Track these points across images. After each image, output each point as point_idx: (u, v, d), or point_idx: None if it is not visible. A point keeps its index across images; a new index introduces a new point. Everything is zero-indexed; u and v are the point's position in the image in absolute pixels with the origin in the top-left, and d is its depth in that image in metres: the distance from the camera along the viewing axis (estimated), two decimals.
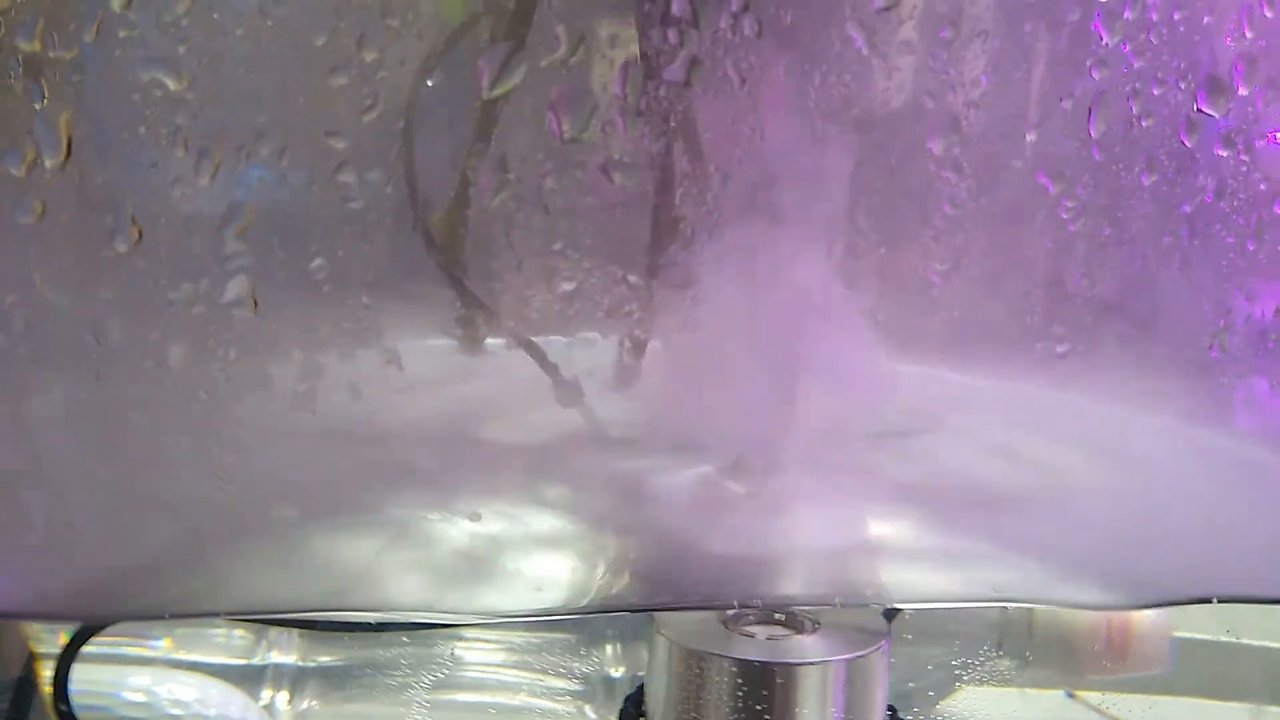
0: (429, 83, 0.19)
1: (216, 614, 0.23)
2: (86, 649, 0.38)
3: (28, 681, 0.37)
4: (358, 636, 0.45)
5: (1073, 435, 0.21)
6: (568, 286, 0.20)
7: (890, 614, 0.37)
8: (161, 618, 0.23)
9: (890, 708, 0.29)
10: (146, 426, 0.19)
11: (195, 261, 0.18)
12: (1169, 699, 0.46)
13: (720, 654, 0.27)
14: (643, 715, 0.29)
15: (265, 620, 0.41)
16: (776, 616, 0.29)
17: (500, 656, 0.46)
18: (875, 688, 0.28)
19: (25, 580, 0.21)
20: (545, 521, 0.25)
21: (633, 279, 0.20)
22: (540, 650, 0.46)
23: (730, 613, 0.29)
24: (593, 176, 0.19)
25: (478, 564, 0.22)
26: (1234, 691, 0.46)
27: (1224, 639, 0.47)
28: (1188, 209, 0.20)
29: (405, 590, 0.22)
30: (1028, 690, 0.47)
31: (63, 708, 0.33)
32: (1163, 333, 0.21)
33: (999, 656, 0.44)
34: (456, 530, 0.22)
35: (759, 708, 0.27)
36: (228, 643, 0.45)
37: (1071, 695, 0.48)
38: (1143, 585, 0.24)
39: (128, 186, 0.18)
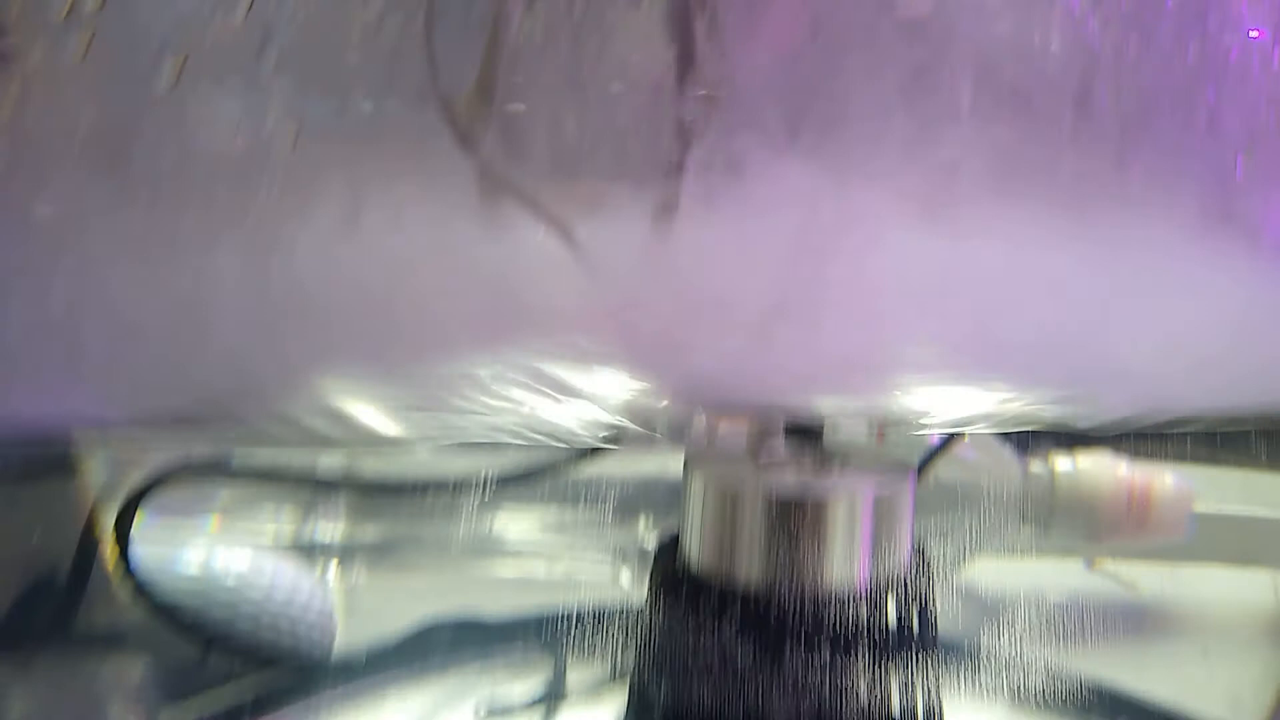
0: None
1: (273, 441, 0.24)
2: (139, 531, 0.40)
3: (89, 542, 0.39)
4: (402, 512, 0.47)
5: (1100, 260, 0.22)
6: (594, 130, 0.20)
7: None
8: (218, 444, 0.24)
9: (919, 548, 0.31)
10: (196, 257, 0.20)
11: (235, 95, 0.19)
12: (1191, 567, 0.48)
13: (753, 491, 0.28)
14: (678, 553, 0.31)
15: (314, 482, 0.43)
16: (806, 460, 0.30)
17: (538, 531, 0.48)
18: (901, 523, 0.29)
19: (81, 407, 0.22)
20: (571, 374, 0.26)
21: (662, 133, 0.20)
22: (576, 526, 0.48)
23: (760, 456, 0.30)
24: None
25: (512, 402, 0.23)
26: (1256, 560, 0.47)
27: (1247, 511, 0.48)
28: (1211, 23, 0.20)
29: (445, 421, 0.23)
30: (1048, 560, 0.48)
31: (124, 559, 0.35)
32: (1192, 148, 0.21)
33: (1021, 524, 0.45)
34: (488, 369, 0.23)
35: (790, 540, 0.28)
36: (276, 520, 0.47)
37: (1090, 565, 0.49)
38: (1172, 406, 0.25)
39: (164, 23, 0.19)
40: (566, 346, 0.27)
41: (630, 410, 0.27)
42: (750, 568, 0.29)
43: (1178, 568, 0.48)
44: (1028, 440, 0.45)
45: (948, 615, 0.36)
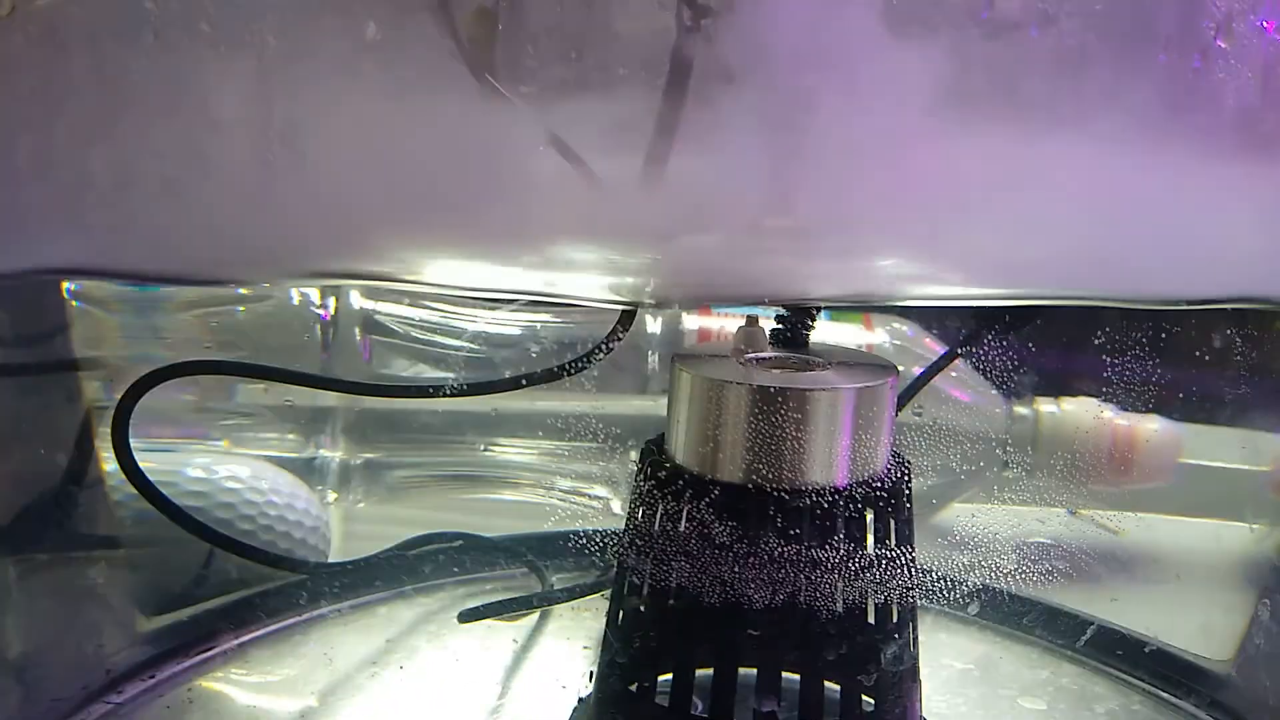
0: None
1: (271, 278, 0.25)
2: (152, 443, 0.41)
3: (85, 446, 0.40)
4: (399, 438, 0.48)
5: (1079, 141, 0.23)
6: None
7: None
8: (220, 282, 0.25)
9: (896, 454, 0.31)
10: (200, 88, 0.21)
11: None
12: (1173, 518, 0.48)
13: (736, 384, 0.29)
14: (664, 449, 0.31)
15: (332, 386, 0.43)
16: (790, 361, 0.31)
17: (533, 459, 0.48)
18: (882, 422, 0.30)
19: (90, 239, 0.23)
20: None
21: (664, 40, 0.21)
22: (569, 456, 0.49)
23: (746, 356, 0.31)
24: None
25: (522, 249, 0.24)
26: (1238, 512, 0.48)
27: (1232, 465, 0.48)
28: None
29: (455, 268, 0.24)
30: (1030, 506, 0.49)
31: (122, 457, 0.36)
32: (1155, 36, 0.22)
33: (1003, 468, 0.46)
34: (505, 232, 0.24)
35: (771, 432, 0.29)
36: (281, 441, 0.48)
37: (1074, 514, 0.50)
38: (1141, 285, 0.26)
39: None
40: (565, 249, 0.28)
41: (621, 292, 0.28)
42: (732, 458, 0.29)
43: (1161, 517, 0.48)
44: (1014, 383, 0.46)
45: (926, 549, 0.37)
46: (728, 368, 0.30)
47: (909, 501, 0.31)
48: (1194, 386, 0.45)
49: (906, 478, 0.31)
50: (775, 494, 0.29)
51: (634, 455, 0.50)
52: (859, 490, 0.29)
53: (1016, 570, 0.44)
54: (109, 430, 0.38)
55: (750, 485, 0.29)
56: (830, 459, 0.29)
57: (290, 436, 0.48)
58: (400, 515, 0.49)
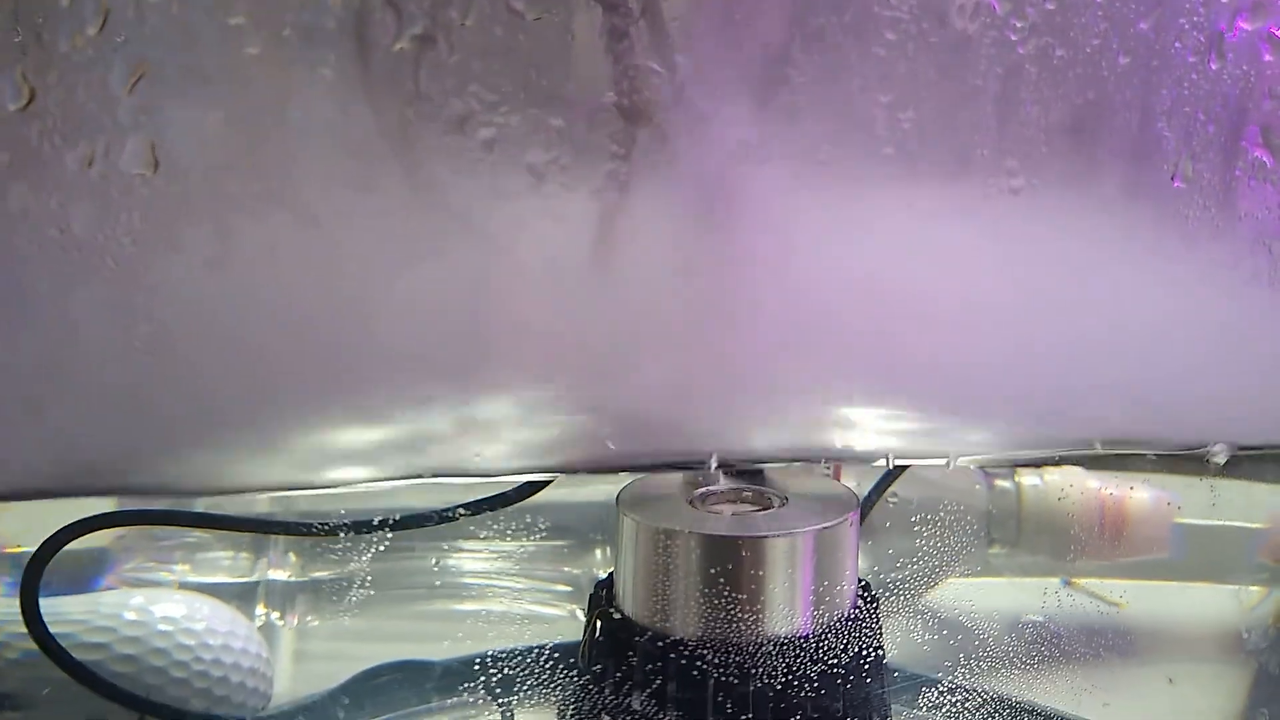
0: None
1: (143, 492, 0.23)
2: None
3: None
4: (352, 550, 0.45)
5: (1030, 276, 0.21)
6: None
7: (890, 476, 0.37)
8: (87, 494, 0.23)
9: (864, 584, 0.29)
10: (55, 297, 0.18)
11: (90, 120, 0.17)
12: (1157, 584, 0.46)
13: (687, 530, 0.26)
14: (613, 599, 0.29)
15: (248, 527, 0.41)
16: (744, 494, 0.29)
17: (494, 565, 0.46)
18: (844, 560, 0.27)
19: None
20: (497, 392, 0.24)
21: (558, 123, 0.19)
22: (531, 558, 0.46)
23: (697, 492, 0.29)
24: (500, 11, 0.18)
25: (423, 432, 0.22)
26: (1218, 573, 0.46)
27: (1206, 522, 0.46)
28: (1144, 26, 0.19)
29: (345, 463, 0.22)
30: (1018, 579, 0.47)
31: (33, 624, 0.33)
32: (1121, 162, 0.20)
33: (988, 545, 0.44)
34: (394, 397, 0.22)
35: (726, 582, 0.26)
36: (233, 564, 0.46)
37: (1068, 583, 0.48)
38: (1116, 432, 0.23)
39: (13, 43, 0.17)
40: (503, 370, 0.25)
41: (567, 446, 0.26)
42: (686, 614, 0.27)
43: (1159, 584, 0.46)
44: None
45: (909, 641, 0.34)
46: (677, 511, 0.28)
47: (880, 639, 0.28)
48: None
49: (876, 613, 0.28)
50: (733, 650, 0.26)
51: (598, 554, 0.47)
52: (824, 638, 0.27)
53: (1005, 662, 0.42)
54: None
55: (705, 641, 0.26)
56: (792, 608, 0.27)
57: (243, 555, 0.46)
58: (355, 629, 0.47)
